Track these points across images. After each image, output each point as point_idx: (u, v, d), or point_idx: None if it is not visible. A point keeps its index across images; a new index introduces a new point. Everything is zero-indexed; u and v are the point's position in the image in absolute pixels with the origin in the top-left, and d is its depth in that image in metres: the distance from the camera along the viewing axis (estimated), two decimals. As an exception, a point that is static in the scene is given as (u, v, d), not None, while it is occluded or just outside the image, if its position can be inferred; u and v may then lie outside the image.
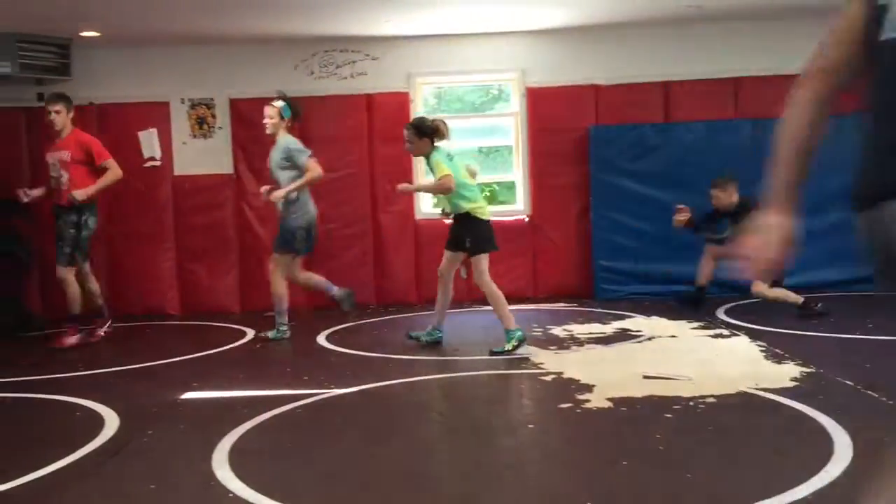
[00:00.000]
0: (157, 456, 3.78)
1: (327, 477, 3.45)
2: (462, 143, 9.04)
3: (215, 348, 6.33)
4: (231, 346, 6.45)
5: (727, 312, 6.93)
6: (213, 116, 8.18)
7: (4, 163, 7.87)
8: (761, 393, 4.38)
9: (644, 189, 7.95)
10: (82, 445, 3.86)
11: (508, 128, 8.60)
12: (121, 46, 7.85)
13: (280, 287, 6.49)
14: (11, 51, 7.13)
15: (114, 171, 6.56)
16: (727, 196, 7.02)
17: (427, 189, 6.50)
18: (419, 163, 8.34)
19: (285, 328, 6.53)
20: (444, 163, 5.77)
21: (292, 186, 6.31)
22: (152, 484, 3.36)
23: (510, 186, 9.16)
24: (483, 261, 5.78)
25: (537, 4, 7.19)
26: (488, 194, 10.10)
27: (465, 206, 5.80)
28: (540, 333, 6.38)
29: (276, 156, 6.46)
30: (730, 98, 8.12)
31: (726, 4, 7.33)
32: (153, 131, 8.07)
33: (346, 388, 4.87)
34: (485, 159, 9.58)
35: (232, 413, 4.34)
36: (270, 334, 6.52)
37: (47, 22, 6.97)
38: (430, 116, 6.28)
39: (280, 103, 6.47)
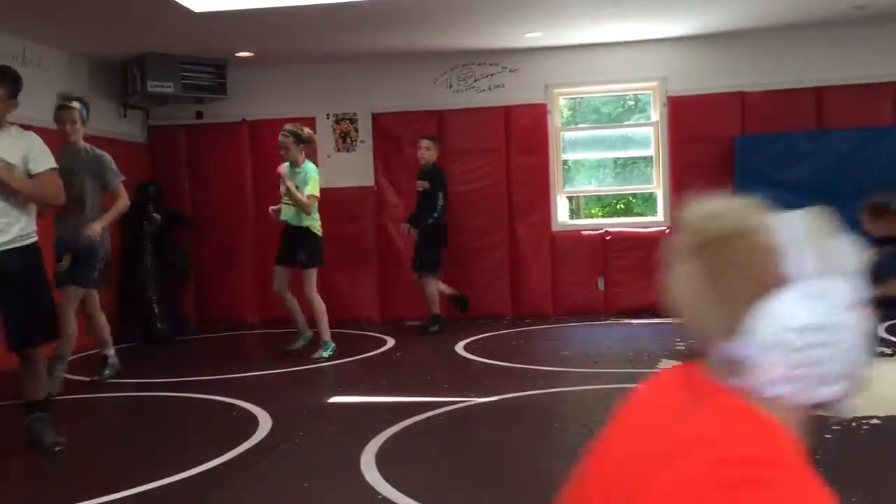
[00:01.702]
0: (308, 456, 3.92)
1: (472, 483, 3.48)
2: (599, 154, 8.96)
3: (358, 355, 6.52)
4: (373, 353, 6.62)
5: (888, 330, 6.50)
6: (356, 131, 8.45)
7: (167, 177, 8.43)
8: (932, 416, 4.07)
9: (795, 200, 7.36)
10: (240, 443, 4.06)
11: (644, 139, 8.43)
12: (271, 65, 8.26)
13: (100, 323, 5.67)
14: (175, 72, 7.65)
15: None
16: None
17: (296, 204, 6.13)
18: (557, 173, 8.32)
19: (114, 361, 5.77)
20: (318, 183, 6.17)
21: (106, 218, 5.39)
22: (305, 482, 3.49)
23: (647, 198, 8.98)
24: (313, 275, 6.25)
25: (680, 13, 7.02)
26: (622, 206, 9.95)
27: (307, 221, 6.20)
28: (683, 348, 6.19)
29: (78, 164, 5.30)
30: (889, 103, 7.64)
31: (891, 4, 6.91)
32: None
33: (485, 397, 4.89)
34: (621, 171, 9.43)
35: (377, 417, 4.44)
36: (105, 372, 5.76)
37: (207, 45, 7.43)
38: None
39: (78, 105, 5.49)
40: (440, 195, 7.24)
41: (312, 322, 6.42)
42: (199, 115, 8.52)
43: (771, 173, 7.66)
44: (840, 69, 7.68)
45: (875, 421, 4.01)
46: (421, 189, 7.32)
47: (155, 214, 7.96)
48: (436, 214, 7.23)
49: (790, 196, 8.05)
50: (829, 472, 3.47)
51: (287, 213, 6.29)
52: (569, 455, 3.84)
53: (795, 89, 7.74)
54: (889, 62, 7.59)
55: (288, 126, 6.31)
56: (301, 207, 6.15)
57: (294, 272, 6.36)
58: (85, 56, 7.63)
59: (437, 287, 7.39)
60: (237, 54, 7.85)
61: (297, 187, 6.17)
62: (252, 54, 7.88)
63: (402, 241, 8.09)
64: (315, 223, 6.30)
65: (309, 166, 6.27)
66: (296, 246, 6.26)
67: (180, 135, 8.56)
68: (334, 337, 7.37)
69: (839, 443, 3.72)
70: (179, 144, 8.57)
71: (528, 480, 3.48)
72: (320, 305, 6.31)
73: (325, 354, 6.30)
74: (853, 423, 3.97)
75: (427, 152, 7.31)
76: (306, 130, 6.31)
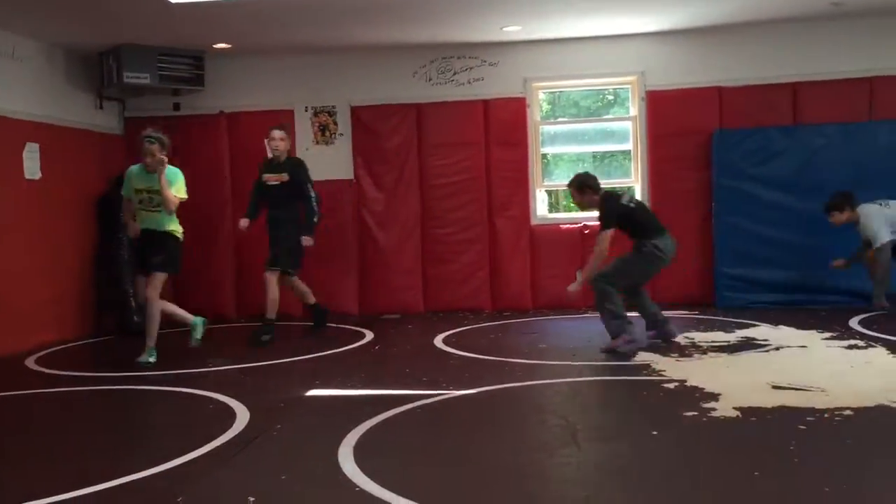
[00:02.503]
0: (285, 449, 3.91)
1: (450, 475, 3.48)
2: (578, 148, 8.99)
3: (336, 349, 6.50)
4: (351, 346, 6.61)
5: (861, 323, 6.59)
6: (335, 123, 8.42)
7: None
8: (904, 407, 4.13)
9: (770, 194, 7.67)
10: (216, 437, 4.04)
11: (622, 133, 8.46)
12: (249, 57, 8.20)
13: None
14: (152, 63, 7.58)
15: None
16: None
17: (164, 202, 5.98)
18: (536, 167, 8.34)
19: None
20: (184, 187, 6.09)
21: None
22: (283, 475, 3.48)
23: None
24: (163, 279, 6.07)
25: (658, 8, 7.05)
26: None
27: (171, 226, 6.09)
28: (660, 340, 6.24)
29: None
30: (864, 99, 7.73)
31: (865, 1, 6.98)
32: (278, 138, 8.36)
33: (464, 389, 4.90)
34: (599, 165, 9.47)
35: (355, 410, 4.44)
36: None
37: (184, 36, 7.36)
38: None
39: None
40: (310, 187, 6.89)
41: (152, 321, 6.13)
42: (177, 106, 8.44)
43: (747, 168, 7.73)
44: (816, 65, 7.76)
45: (848, 412, 4.06)
46: (277, 182, 6.92)
47: (131, 207, 7.88)
48: (316, 208, 6.87)
49: (766, 190, 8.20)
50: (802, 463, 3.52)
51: (152, 219, 6.08)
52: (546, 447, 3.86)
53: (772, 84, 7.82)
54: (864, 58, 7.68)
55: (151, 132, 6.14)
56: (167, 205, 5.96)
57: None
58: (61, 47, 7.54)
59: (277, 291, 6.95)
60: (215, 46, 7.79)
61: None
62: (230, 46, 7.83)
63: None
64: (178, 228, 6.14)
65: (174, 169, 6.09)
66: (155, 249, 6.04)
67: (157, 126, 8.43)
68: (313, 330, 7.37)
69: (812, 434, 3.77)
70: (156, 136, 8.48)
71: (506, 472, 3.50)
72: (156, 310, 6.06)
73: (150, 360, 6.03)
74: (826, 415, 4.02)
75: (281, 143, 6.94)
76: (166, 136, 6.19)
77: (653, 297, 7.99)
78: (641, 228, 5.99)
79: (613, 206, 5.97)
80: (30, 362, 6.34)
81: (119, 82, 7.57)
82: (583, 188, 6.05)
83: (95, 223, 7.94)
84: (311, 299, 7.30)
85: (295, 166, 6.98)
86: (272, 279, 6.92)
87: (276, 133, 7.01)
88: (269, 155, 7.15)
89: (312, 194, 6.92)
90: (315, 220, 6.93)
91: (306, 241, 6.93)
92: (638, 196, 8.32)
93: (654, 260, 5.98)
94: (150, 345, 6.12)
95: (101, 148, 8.07)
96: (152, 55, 7.59)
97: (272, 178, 6.99)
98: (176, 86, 7.91)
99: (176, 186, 6.05)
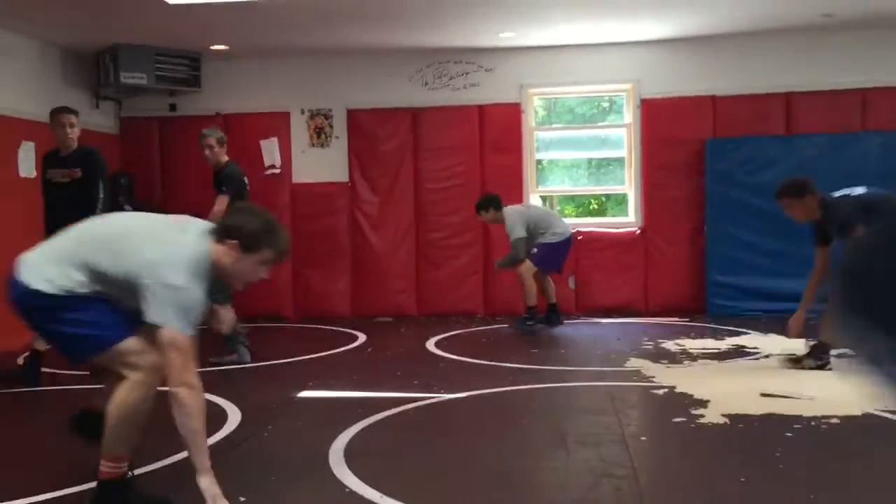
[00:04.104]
0: (276, 450, 3.93)
1: (440, 478, 3.50)
2: (573, 154, 9.04)
3: (328, 351, 6.52)
4: (343, 349, 6.63)
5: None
6: (331, 126, 8.45)
7: (139, 169, 8.38)
8: (890, 416, 4.17)
9: (763, 203, 7.69)
10: (208, 437, 4.03)
11: (618, 140, 8.51)
12: (246, 59, 8.23)
13: None
14: (149, 64, 7.60)
15: None
16: None
17: None
18: (530, 173, 8.37)
19: None
20: None
21: None
22: (273, 476, 3.50)
23: (620, 199, 9.06)
24: None
25: (653, 16, 7.11)
26: (596, 206, 10.02)
27: None
28: (651, 347, 6.28)
29: None
30: (856, 110, 7.80)
31: (860, 13, 7.05)
32: (274, 140, 8.41)
33: (455, 393, 4.93)
34: (595, 171, 9.51)
35: (346, 412, 4.46)
36: None
37: (181, 37, 7.39)
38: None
39: None
40: (101, 185, 5.57)
41: None
42: (173, 107, 8.47)
43: (740, 177, 7.78)
44: (809, 75, 7.82)
45: (834, 420, 4.10)
46: (66, 179, 5.58)
47: (126, 207, 7.90)
48: (98, 212, 5.31)
49: (758, 199, 8.26)
50: (788, 470, 3.54)
51: None
52: (536, 451, 3.89)
53: (765, 94, 7.88)
54: (856, 69, 7.75)
55: None
56: None
57: None
58: (57, 46, 7.55)
59: None
60: (212, 47, 7.82)
61: None
62: (227, 47, 7.85)
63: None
64: None
65: None
66: None
67: (153, 127, 8.50)
68: (306, 332, 7.38)
69: (799, 441, 3.81)
70: (152, 136, 8.51)
71: (495, 475, 3.52)
72: None
73: None
74: (813, 423, 4.06)
75: (73, 130, 5.63)
76: None
77: (644, 304, 8.09)
78: None
79: None
80: (21, 359, 6.32)
81: (116, 82, 7.59)
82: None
83: (90, 222, 7.94)
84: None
85: (89, 158, 5.64)
86: None
87: (69, 118, 5.66)
88: (74, 146, 5.70)
89: (101, 196, 5.55)
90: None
91: None
92: (631, 203, 8.37)
93: None
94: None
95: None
96: (149, 55, 7.61)
97: (59, 174, 5.61)
98: (172, 86, 7.94)
99: None
